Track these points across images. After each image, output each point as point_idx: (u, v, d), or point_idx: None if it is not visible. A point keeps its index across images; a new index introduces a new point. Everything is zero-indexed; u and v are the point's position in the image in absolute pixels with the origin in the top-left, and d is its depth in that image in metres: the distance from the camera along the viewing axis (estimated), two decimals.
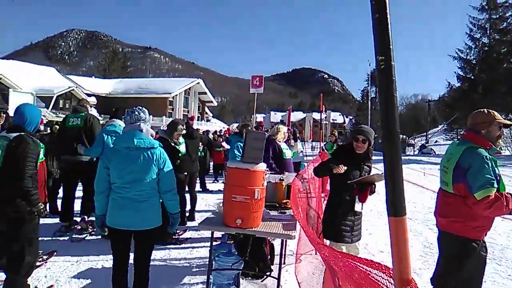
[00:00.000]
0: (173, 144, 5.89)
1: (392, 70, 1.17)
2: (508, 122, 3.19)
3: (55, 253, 5.01)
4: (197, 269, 4.78)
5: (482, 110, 3.15)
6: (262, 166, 3.37)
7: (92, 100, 43.02)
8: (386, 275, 1.34)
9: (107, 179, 3.22)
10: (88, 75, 59.01)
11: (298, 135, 9.97)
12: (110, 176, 3.21)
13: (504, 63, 38.29)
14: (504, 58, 38.44)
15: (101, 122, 7.10)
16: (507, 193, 2.86)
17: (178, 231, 6.18)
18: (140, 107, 3.51)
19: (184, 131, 6.19)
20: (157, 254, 5.06)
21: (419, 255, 5.73)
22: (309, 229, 3.00)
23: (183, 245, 5.64)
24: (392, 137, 1.19)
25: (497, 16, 39.80)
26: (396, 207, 1.21)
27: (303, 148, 9.50)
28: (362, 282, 1.55)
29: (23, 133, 3.24)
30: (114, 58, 79.77)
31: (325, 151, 9.64)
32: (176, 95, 47.05)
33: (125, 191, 3.18)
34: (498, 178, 2.94)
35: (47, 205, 7.17)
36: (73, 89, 40.02)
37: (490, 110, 3.12)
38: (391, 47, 1.17)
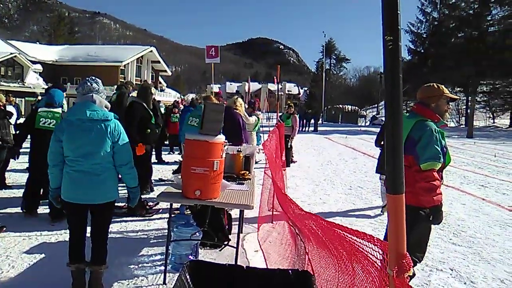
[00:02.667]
0: (149, 109, 5.84)
1: (399, 50, 1.18)
2: (455, 97, 3.39)
3: (4, 228, 4.82)
4: (155, 241, 4.78)
5: (431, 84, 3.30)
6: (221, 137, 3.38)
7: (38, 67, 40.72)
8: (378, 248, 1.40)
9: (60, 152, 3.11)
10: (31, 41, 55.43)
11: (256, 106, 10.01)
12: (63, 149, 3.10)
13: (452, 37, 39.82)
14: (453, 33, 39.94)
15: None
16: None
17: (149, 203, 6.13)
18: (93, 77, 3.37)
19: (155, 95, 6.15)
20: (114, 227, 5.01)
21: (369, 223, 6.03)
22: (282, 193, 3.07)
23: (140, 218, 5.59)
24: (396, 116, 1.21)
25: None
26: (395, 184, 1.23)
27: (259, 121, 9.58)
28: (348, 251, 1.62)
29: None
30: (60, 23, 75.18)
31: (282, 122, 9.75)
32: (128, 63, 45.38)
33: (78, 164, 3.09)
34: (445, 149, 3.13)
35: None
36: (15, 56, 37.45)
37: (439, 85, 3.28)
38: (399, 27, 1.17)
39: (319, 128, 31.32)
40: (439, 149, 2.96)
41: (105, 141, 3.13)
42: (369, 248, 1.43)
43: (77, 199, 3.13)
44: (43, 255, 4.14)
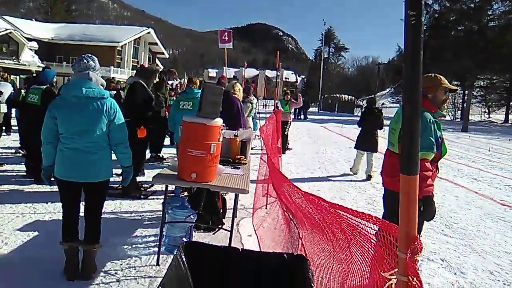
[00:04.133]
0: (151, 92, 5.86)
1: (422, 27, 1.15)
2: (454, 87, 3.36)
3: None
4: (149, 222, 4.78)
5: (429, 74, 3.28)
6: (219, 121, 3.36)
7: (33, 45, 40.18)
8: (385, 230, 1.38)
9: (54, 129, 3.08)
10: (27, 17, 54.53)
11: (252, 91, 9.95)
12: (57, 126, 3.07)
13: (452, 30, 39.60)
14: (453, 26, 39.71)
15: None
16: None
17: (144, 185, 6.12)
18: (90, 55, 3.32)
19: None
20: (108, 207, 4.99)
21: (363, 211, 6.05)
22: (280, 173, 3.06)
23: (134, 199, 5.58)
24: (415, 95, 1.18)
25: None
26: (410, 165, 1.21)
27: (253, 106, 9.53)
28: (347, 234, 1.61)
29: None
30: (57, 1, 74.10)
31: (279, 108, 9.74)
32: (125, 44, 45.02)
33: (73, 142, 3.06)
34: (440, 140, 3.12)
35: None
36: (10, 32, 36.90)
37: (437, 75, 3.25)
38: (422, 1, 1.15)
39: (308, 116, 31.45)
40: (433, 140, 2.95)
41: (101, 119, 3.10)
42: (373, 230, 1.42)
43: (71, 177, 3.11)
44: (36, 233, 4.14)
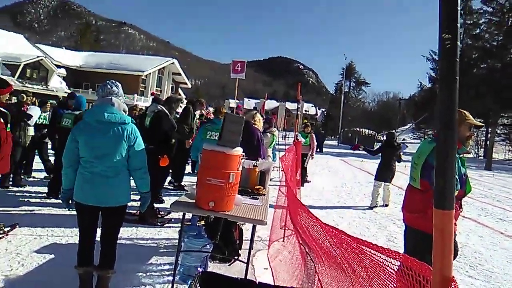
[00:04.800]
0: (173, 121, 5.99)
1: (457, 50, 1.09)
2: (479, 123, 3.27)
3: (17, 226, 4.85)
4: (165, 250, 4.74)
5: None
6: (239, 150, 3.35)
7: (62, 72, 41.61)
8: (414, 270, 1.28)
9: (75, 153, 3.12)
10: (58, 45, 56.82)
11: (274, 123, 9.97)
12: (79, 149, 3.12)
13: (474, 68, 39.43)
14: (475, 63, 39.58)
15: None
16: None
17: (162, 212, 6.12)
18: (114, 81, 3.40)
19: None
20: (124, 233, 4.99)
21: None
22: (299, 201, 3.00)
23: (151, 226, 5.57)
24: (451, 124, 1.10)
25: (471, 22, 40.82)
26: (445, 199, 1.13)
27: (274, 138, 9.54)
28: (371, 271, 1.53)
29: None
30: (87, 31, 77.34)
31: (300, 140, 9.74)
32: (150, 73, 46.17)
33: (93, 165, 3.09)
34: (464, 177, 3.03)
35: (11, 176, 6.96)
36: (41, 59, 38.49)
37: (462, 110, 3.18)
38: (458, 24, 1.08)
39: (328, 150, 31.36)
40: (456, 177, 2.87)
41: (121, 144, 3.13)
42: (397, 267, 1.35)
43: (89, 201, 3.12)
44: (52, 256, 4.14)
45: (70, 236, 4.76)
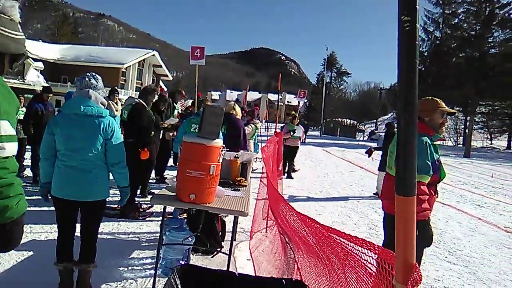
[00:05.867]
0: (151, 112, 5.97)
1: (416, 33, 1.06)
2: (451, 110, 3.31)
3: None
4: (146, 244, 4.70)
5: (427, 98, 3.26)
6: (219, 142, 3.33)
7: (39, 65, 40.68)
8: (379, 257, 1.27)
9: (52, 146, 3.06)
10: (34, 38, 55.38)
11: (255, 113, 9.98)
12: (55, 142, 3.06)
13: (453, 57, 40.02)
14: (454, 53, 40.17)
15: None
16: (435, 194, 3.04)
17: (143, 206, 6.06)
18: (93, 73, 3.32)
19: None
20: (105, 227, 4.93)
21: (365, 236, 5.95)
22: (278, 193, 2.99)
23: (132, 220, 5.51)
24: (410, 108, 1.09)
25: (450, 11, 41.35)
26: (406, 185, 1.12)
27: (256, 129, 9.55)
28: (341, 260, 1.53)
29: None
30: (64, 23, 75.52)
31: (281, 131, 9.83)
32: (130, 66, 45.48)
33: (69, 159, 3.03)
34: (438, 163, 3.06)
35: None
36: None
37: (435, 98, 3.22)
38: (417, 7, 1.06)
39: (311, 140, 31.59)
40: (428, 162, 2.90)
41: (97, 138, 3.07)
42: (368, 256, 1.35)
43: (65, 195, 3.06)
44: (31, 253, 4.06)
45: (49, 232, 4.68)
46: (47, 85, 12.44)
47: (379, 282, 1.28)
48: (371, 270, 1.34)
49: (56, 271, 3.14)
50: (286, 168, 11.03)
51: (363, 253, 1.36)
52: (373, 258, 1.33)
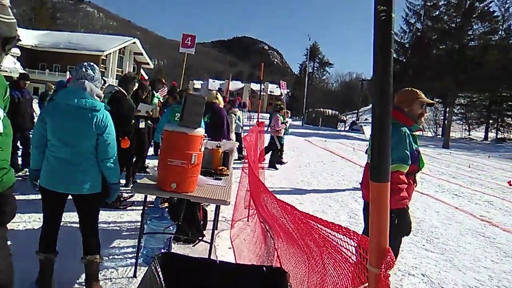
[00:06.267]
0: (132, 100, 5.85)
1: (392, 22, 1.07)
2: (430, 101, 3.36)
3: None
4: (128, 233, 4.68)
5: (406, 88, 3.30)
6: (201, 131, 3.32)
7: (15, 51, 39.62)
8: (354, 242, 1.31)
9: (43, 134, 2.99)
10: None
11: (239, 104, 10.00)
12: (47, 131, 2.99)
13: (434, 49, 40.60)
14: (434, 45, 40.74)
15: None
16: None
17: (124, 195, 5.99)
18: (91, 64, 3.21)
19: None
20: None
21: (345, 225, 6.00)
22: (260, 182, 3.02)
23: (113, 209, 5.47)
24: (385, 96, 1.11)
25: (431, 3, 41.83)
26: (381, 172, 1.13)
27: (236, 117, 9.55)
28: (319, 246, 1.56)
29: None
30: (42, 8, 73.47)
31: (283, 124, 10.02)
32: (110, 53, 44.78)
33: (59, 150, 2.96)
34: (417, 153, 3.11)
35: None
36: None
37: (414, 89, 3.26)
38: None
39: (293, 130, 31.75)
40: (407, 152, 2.94)
41: (89, 131, 2.98)
42: (344, 242, 1.38)
43: (52, 186, 3.00)
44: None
45: (28, 221, 4.60)
46: (24, 72, 12.18)
47: (354, 266, 1.31)
48: (347, 255, 1.37)
49: (33, 262, 3.08)
50: (270, 158, 11.09)
51: (339, 238, 1.39)
52: (349, 244, 1.36)
